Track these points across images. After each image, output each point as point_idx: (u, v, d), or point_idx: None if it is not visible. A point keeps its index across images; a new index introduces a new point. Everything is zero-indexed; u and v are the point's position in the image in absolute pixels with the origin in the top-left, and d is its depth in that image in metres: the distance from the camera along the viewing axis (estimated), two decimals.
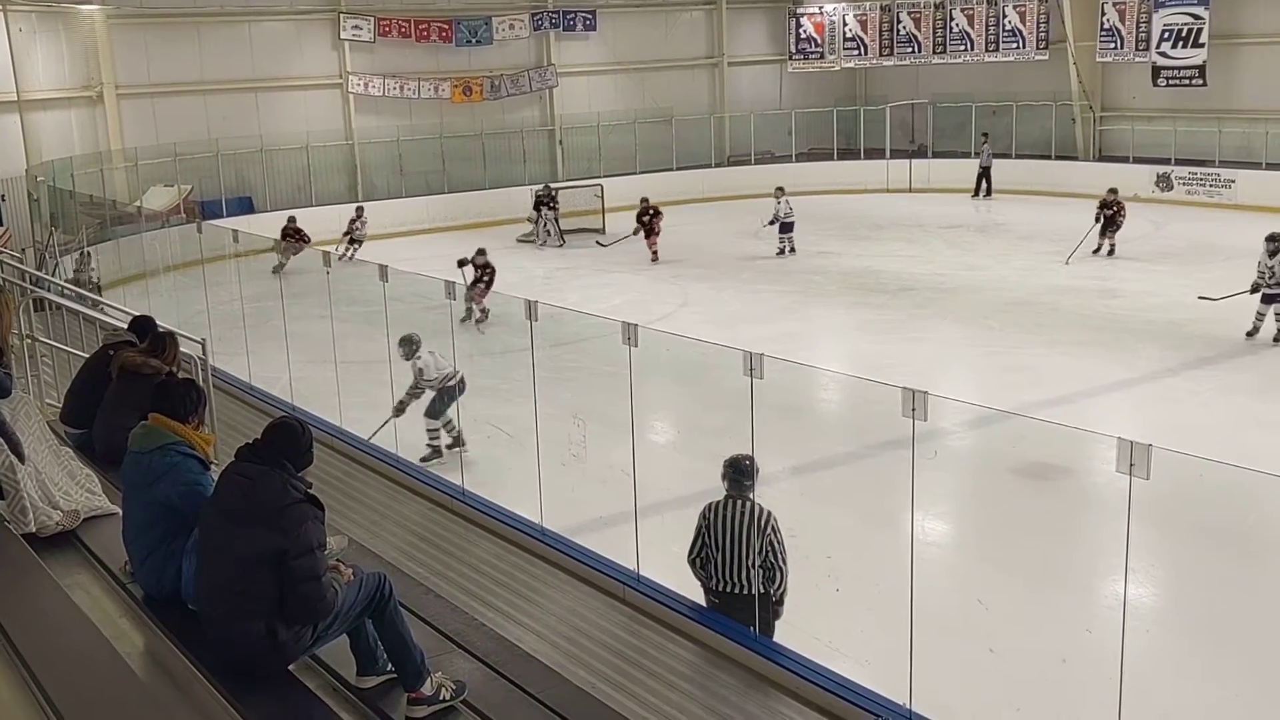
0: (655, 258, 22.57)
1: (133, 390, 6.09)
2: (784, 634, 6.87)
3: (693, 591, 7.54)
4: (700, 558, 6.88)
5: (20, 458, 5.40)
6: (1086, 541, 8.71)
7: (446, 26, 28.78)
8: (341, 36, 27.78)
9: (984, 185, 28.86)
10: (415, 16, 28.47)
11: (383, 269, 10.42)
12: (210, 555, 4.41)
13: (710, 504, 6.82)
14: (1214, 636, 7.85)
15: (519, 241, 25.35)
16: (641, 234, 22.74)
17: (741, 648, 6.82)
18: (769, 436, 9.74)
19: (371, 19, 27.91)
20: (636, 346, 7.70)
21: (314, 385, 12.92)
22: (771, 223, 22.84)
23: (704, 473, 10.83)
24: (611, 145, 30.51)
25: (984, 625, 7.65)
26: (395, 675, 4.71)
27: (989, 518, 10.10)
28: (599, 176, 28.16)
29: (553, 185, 26.25)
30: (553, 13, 30.13)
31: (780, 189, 23.11)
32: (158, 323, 7.05)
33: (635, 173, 30.02)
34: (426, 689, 4.65)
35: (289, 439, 4.47)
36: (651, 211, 22.75)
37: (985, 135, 29.56)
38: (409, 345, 11.49)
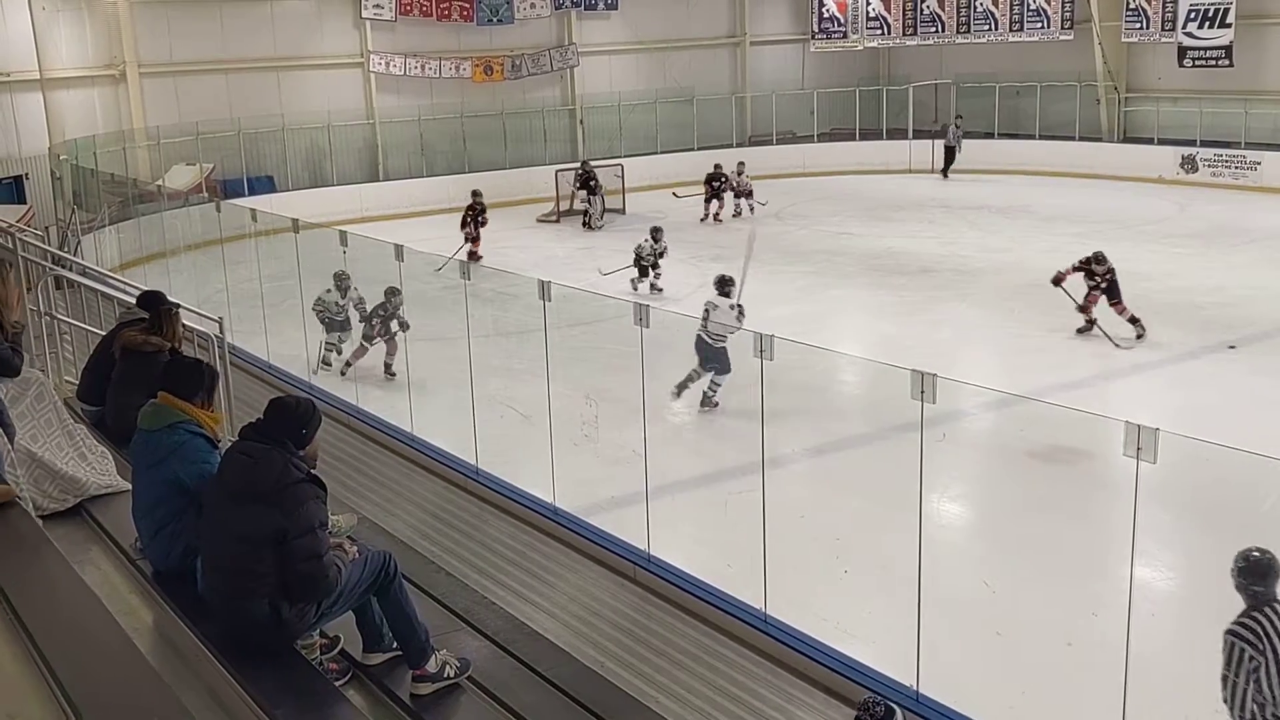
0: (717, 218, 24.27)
1: (137, 368, 6.13)
2: (793, 615, 6.87)
3: (702, 571, 7.57)
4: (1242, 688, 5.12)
5: (10, 440, 5.42)
6: (1100, 525, 8.67)
7: (468, 5, 28.72)
8: (363, 15, 27.75)
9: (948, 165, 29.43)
10: None
11: (398, 248, 10.43)
12: (214, 533, 4.45)
13: (1251, 617, 5.16)
14: (1221, 620, 7.80)
15: (539, 221, 25.38)
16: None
17: (750, 628, 6.85)
18: (783, 418, 9.75)
19: None
20: (649, 328, 7.71)
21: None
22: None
23: (718, 454, 10.89)
24: (632, 125, 30.42)
25: (993, 607, 7.64)
26: (401, 653, 4.75)
27: (1004, 500, 10.07)
28: (620, 156, 28.05)
29: (590, 163, 26.08)
30: None
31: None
32: (168, 298, 7.08)
33: (656, 152, 29.96)
34: (431, 666, 4.69)
35: (289, 417, 4.49)
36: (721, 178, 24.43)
37: (960, 117, 30.05)
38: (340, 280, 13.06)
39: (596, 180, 24.88)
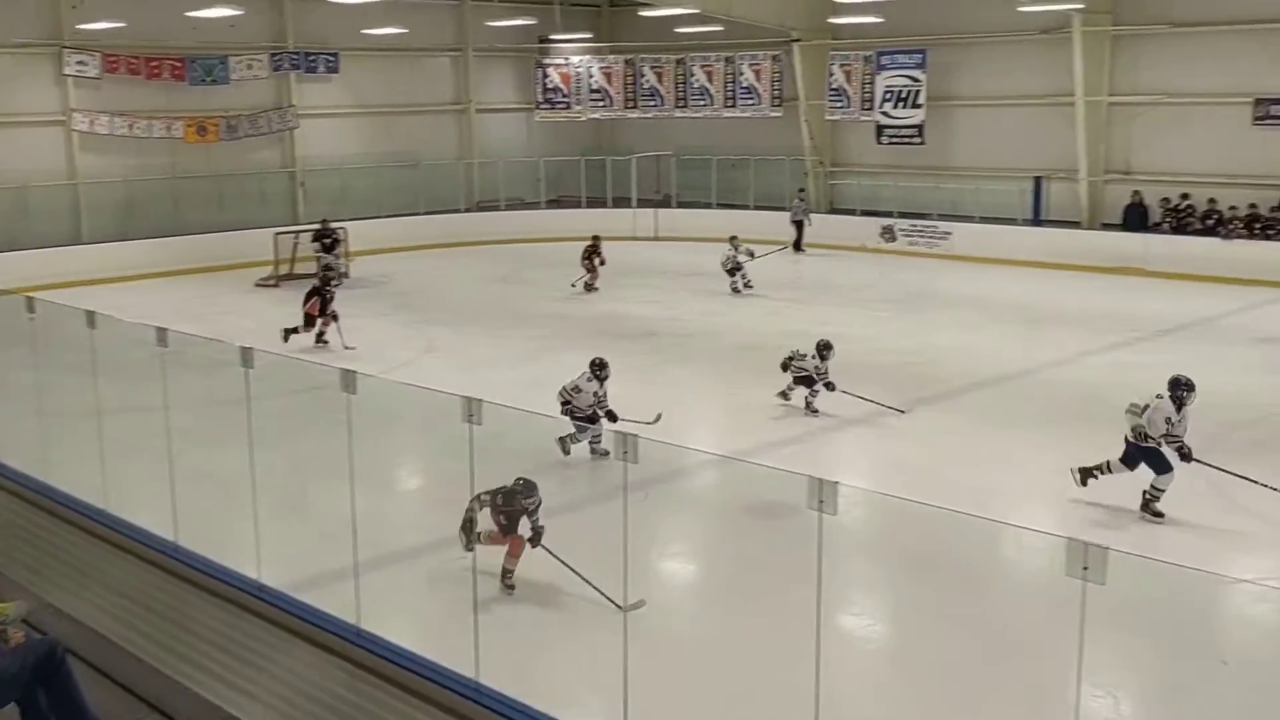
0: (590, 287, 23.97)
1: None
2: (505, 681, 6.81)
3: (414, 644, 7.41)
4: None
5: None
6: (803, 576, 9.05)
7: (179, 65, 27.67)
8: (64, 72, 26.29)
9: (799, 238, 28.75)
10: (146, 54, 27.22)
11: (90, 315, 9.88)
12: None
13: None
14: (921, 666, 8.27)
15: (257, 286, 24.60)
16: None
17: (461, 698, 6.73)
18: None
19: (98, 55, 26.50)
20: (355, 394, 7.55)
21: (18, 437, 12.11)
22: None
23: (437, 522, 10.74)
24: (356, 189, 30.00)
25: (701, 653, 7.81)
26: None
27: (715, 556, 10.35)
28: (343, 220, 27.53)
29: (331, 223, 25.34)
30: (293, 54, 29.41)
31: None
32: None
33: (381, 216, 29.65)
34: None
35: None
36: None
37: (802, 190, 29.77)
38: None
39: (333, 239, 24.43)
